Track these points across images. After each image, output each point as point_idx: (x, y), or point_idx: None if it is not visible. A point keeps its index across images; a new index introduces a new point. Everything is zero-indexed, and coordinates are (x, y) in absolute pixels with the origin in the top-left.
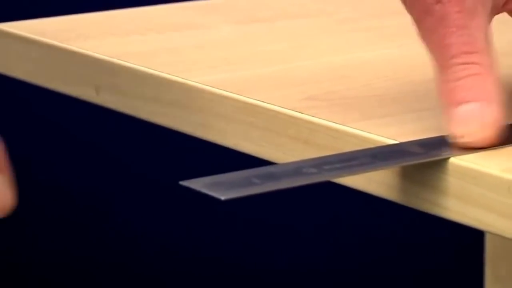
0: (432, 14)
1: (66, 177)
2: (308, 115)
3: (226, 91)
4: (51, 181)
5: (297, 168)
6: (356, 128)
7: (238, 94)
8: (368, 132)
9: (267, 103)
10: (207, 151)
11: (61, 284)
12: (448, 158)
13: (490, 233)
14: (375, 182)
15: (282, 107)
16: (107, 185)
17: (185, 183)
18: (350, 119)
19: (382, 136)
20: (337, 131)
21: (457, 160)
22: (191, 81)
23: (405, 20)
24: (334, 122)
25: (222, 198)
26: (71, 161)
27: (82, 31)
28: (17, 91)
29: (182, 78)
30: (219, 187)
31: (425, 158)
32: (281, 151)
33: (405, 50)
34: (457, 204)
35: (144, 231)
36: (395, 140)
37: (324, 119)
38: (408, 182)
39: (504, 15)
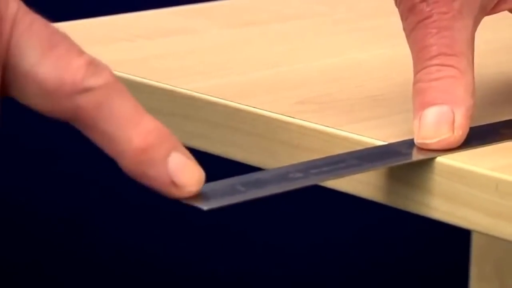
0: (416, 13)
1: (40, 191)
2: (299, 119)
3: (216, 97)
4: (23, 192)
5: (284, 173)
6: (347, 131)
7: (229, 100)
8: (359, 135)
9: (258, 108)
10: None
11: None
12: (435, 157)
13: (478, 232)
14: (362, 184)
15: (273, 112)
16: (89, 195)
17: None
18: (342, 122)
19: (374, 138)
20: (328, 134)
21: (444, 160)
22: (181, 88)
23: (399, 20)
24: (325, 126)
25: (205, 208)
26: (51, 171)
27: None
28: None
29: (171, 85)
30: (202, 197)
31: (412, 158)
32: (273, 157)
33: (399, 51)
34: (444, 204)
35: (125, 240)
36: (386, 142)
37: (315, 123)
38: (396, 182)
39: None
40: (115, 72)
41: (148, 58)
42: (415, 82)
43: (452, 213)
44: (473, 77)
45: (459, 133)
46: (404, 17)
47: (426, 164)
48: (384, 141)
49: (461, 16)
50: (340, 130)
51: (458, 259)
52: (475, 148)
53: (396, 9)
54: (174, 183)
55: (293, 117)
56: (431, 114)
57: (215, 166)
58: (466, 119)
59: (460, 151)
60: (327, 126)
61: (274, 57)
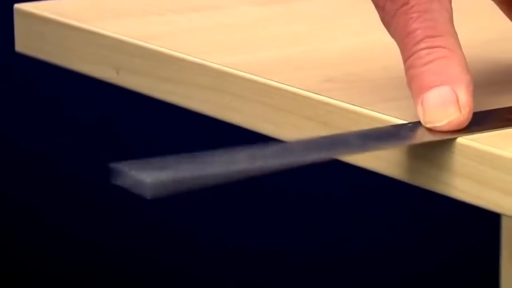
0: (393, 0)
1: (71, 163)
2: (325, 96)
3: (245, 72)
4: (53, 167)
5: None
6: (373, 110)
7: (257, 76)
8: (385, 114)
9: (285, 84)
10: (225, 132)
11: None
12: (455, 138)
13: (507, 216)
14: (384, 161)
15: (300, 89)
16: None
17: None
18: (368, 101)
19: (401, 119)
20: (354, 113)
21: (470, 142)
22: (210, 62)
23: None
24: (351, 104)
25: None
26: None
27: (102, 12)
28: (36, 71)
29: (201, 59)
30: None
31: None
32: (299, 133)
33: None
34: (473, 187)
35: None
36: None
37: (342, 101)
38: (421, 161)
39: None
40: (146, 45)
41: (178, 32)
42: (407, 69)
43: (479, 196)
44: (463, 53)
45: (466, 111)
46: (380, 7)
47: (450, 145)
48: (410, 121)
49: None
50: (368, 109)
51: (489, 241)
52: (479, 133)
53: None
54: None
55: (320, 94)
56: (434, 96)
57: (245, 139)
58: (469, 95)
59: (465, 135)
60: (354, 105)
61: (300, 35)
